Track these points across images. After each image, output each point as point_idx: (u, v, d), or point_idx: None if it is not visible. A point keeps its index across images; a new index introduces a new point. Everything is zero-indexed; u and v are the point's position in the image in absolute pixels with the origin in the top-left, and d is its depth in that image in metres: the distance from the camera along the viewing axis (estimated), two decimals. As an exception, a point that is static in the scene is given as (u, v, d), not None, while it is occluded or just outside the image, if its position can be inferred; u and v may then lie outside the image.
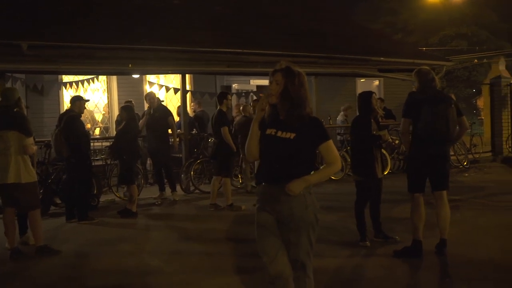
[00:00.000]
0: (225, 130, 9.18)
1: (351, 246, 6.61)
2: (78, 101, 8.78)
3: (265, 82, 15.46)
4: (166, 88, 13.26)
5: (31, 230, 6.81)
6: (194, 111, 13.53)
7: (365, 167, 6.73)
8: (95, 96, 13.81)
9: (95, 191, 9.64)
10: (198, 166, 11.34)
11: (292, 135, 3.51)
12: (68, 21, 10.97)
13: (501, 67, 17.30)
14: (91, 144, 9.69)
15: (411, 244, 6.13)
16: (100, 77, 13.24)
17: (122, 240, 7.43)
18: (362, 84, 17.81)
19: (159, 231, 8.07)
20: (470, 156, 14.94)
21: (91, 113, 13.74)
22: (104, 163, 10.86)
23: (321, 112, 13.37)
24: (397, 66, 14.11)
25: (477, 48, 36.42)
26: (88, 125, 13.33)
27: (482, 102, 21.76)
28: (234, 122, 11.40)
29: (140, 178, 10.49)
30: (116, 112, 13.35)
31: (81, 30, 10.69)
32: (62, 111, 12.14)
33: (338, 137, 13.63)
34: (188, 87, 12.90)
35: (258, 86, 15.81)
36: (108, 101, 13.95)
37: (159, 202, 10.13)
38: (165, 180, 10.53)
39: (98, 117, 14.05)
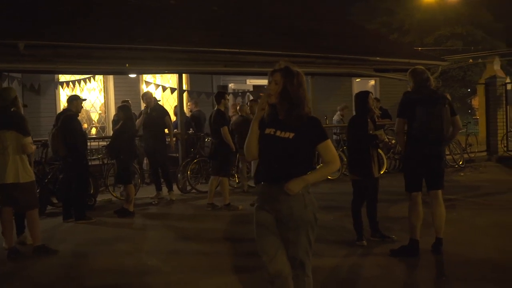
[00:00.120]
0: (225, 130, 9.21)
1: (348, 245, 6.64)
2: (75, 101, 8.79)
3: (261, 82, 15.51)
4: (162, 88, 13.27)
5: (29, 230, 6.82)
6: (190, 111, 13.54)
7: (362, 167, 6.77)
8: (92, 95, 13.79)
9: (92, 191, 9.64)
10: (195, 166, 11.36)
11: (291, 135, 3.54)
12: (64, 21, 10.97)
13: (496, 66, 17.39)
14: (88, 143, 9.70)
15: (408, 243, 6.17)
16: (97, 76, 13.24)
17: (120, 240, 7.44)
18: (358, 84, 17.85)
19: (156, 230, 8.09)
20: (465, 156, 15.01)
21: (88, 112, 13.73)
22: (101, 162, 10.86)
23: (317, 112, 13.39)
24: (393, 66, 14.16)
25: (472, 48, 36.52)
26: (85, 125, 13.32)
27: (477, 101, 21.83)
28: (231, 122, 11.41)
29: (136, 177, 10.49)
30: (112, 111, 13.34)
31: (77, 30, 10.69)
32: (58, 111, 12.14)
33: (334, 137, 13.67)
34: (184, 87, 12.91)
35: (254, 86, 15.82)
36: (105, 101, 13.94)
37: (156, 202, 10.15)
38: (162, 180, 10.54)
39: (95, 116, 14.04)
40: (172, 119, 11.43)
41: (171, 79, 14.40)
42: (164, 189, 10.51)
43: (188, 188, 11.16)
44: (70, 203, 8.63)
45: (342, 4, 40.02)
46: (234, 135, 10.42)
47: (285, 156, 3.55)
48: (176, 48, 11.15)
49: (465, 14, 39.48)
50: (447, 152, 13.78)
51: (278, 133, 3.58)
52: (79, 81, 12.60)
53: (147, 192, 10.85)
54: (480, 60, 31.34)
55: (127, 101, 10.73)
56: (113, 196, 10.46)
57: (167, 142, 10.69)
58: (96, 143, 11.63)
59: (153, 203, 10.10)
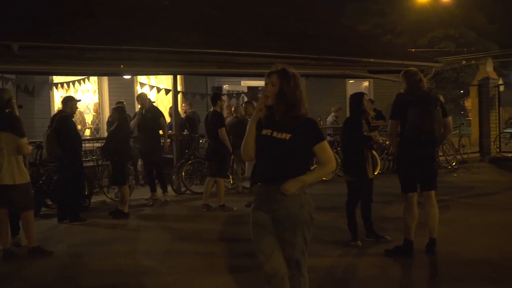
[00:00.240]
0: (222, 131, 9.24)
1: (343, 245, 6.68)
2: (70, 102, 8.79)
3: (256, 83, 15.54)
4: (157, 89, 13.27)
5: (24, 231, 6.82)
6: (185, 112, 13.56)
7: (357, 168, 6.81)
8: (86, 96, 13.77)
9: (86, 192, 9.63)
10: (189, 167, 11.37)
11: (288, 136, 3.57)
12: (59, 22, 10.94)
13: (489, 68, 17.47)
14: (82, 145, 9.69)
15: (402, 243, 6.21)
16: (91, 78, 13.21)
17: (115, 241, 7.45)
18: (352, 85, 17.91)
19: (151, 231, 8.10)
20: (458, 157, 15.09)
21: (82, 114, 13.71)
22: (95, 164, 10.85)
23: (312, 113, 13.26)
24: (387, 67, 14.21)
25: (465, 49, 36.73)
26: (79, 126, 13.29)
27: (470, 103, 21.93)
28: (226, 123, 11.44)
29: (131, 179, 10.49)
30: (107, 113, 13.33)
31: (72, 31, 10.66)
32: (52, 112, 12.11)
33: (329, 138, 13.71)
34: (179, 88, 12.92)
35: (249, 87, 15.85)
36: (99, 102, 13.93)
37: (151, 203, 10.15)
38: (156, 181, 10.55)
39: (88, 118, 14.01)
40: (167, 120, 11.44)
41: (165, 80, 14.41)
42: (159, 190, 10.51)
43: (183, 189, 11.17)
44: (65, 204, 8.62)
45: (335, 6, 40.11)
46: (229, 136, 10.43)
47: (282, 157, 3.58)
48: (171, 49, 11.15)
49: (459, 16, 39.67)
50: (440, 153, 13.86)
51: (275, 134, 3.61)
52: (73, 82, 12.58)
53: (141, 193, 10.86)
54: (473, 62, 31.51)
55: (122, 102, 10.71)
56: (108, 197, 10.46)
57: (161, 143, 10.69)
58: (91, 145, 11.61)
59: (147, 204, 10.11)
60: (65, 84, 12.65)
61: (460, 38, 39.52)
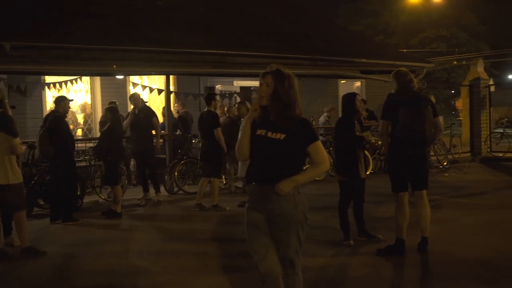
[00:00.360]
0: (218, 131, 9.27)
1: (335, 245, 6.72)
2: (62, 102, 8.77)
3: (248, 83, 15.55)
4: (149, 89, 13.27)
5: (17, 231, 6.80)
6: (177, 112, 13.56)
7: (349, 168, 6.85)
8: (78, 96, 13.74)
9: (79, 192, 9.61)
10: (182, 167, 11.37)
11: (282, 136, 3.60)
12: (51, 22, 10.92)
13: (480, 68, 17.54)
14: (75, 145, 9.67)
15: (394, 242, 6.25)
16: (84, 77, 13.20)
17: (108, 241, 7.45)
18: (344, 85, 17.96)
19: (144, 231, 8.12)
20: (450, 157, 15.17)
21: (74, 114, 13.68)
22: (88, 164, 10.83)
23: (304, 113, 13.39)
24: (379, 67, 14.26)
25: (456, 50, 36.92)
26: (71, 126, 13.25)
27: (461, 103, 22.00)
28: (219, 123, 11.46)
29: (123, 179, 10.49)
30: (99, 113, 13.32)
31: (65, 31, 10.64)
32: (45, 112, 12.11)
33: (321, 138, 13.75)
34: (171, 88, 12.91)
35: (242, 87, 15.86)
36: (92, 102, 13.91)
37: (144, 203, 10.15)
38: (149, 181, 10.54)
39: (81, 118, 13.98)
40: (160, 120, 11.44)
41: (158, 80, 14.40)
42: (151, 190, 10.51)
43: (175, 189, 11.18)
44: (57, 204, 8.61)
45: (329, 6, 40.25)
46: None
47: (276, 157, 3.61)
48: (164, 49, 11.15)
49: (450, 17, 39.87)
50: (432, 153, 13.94)
51: (269, 134, 3.64)
52: (65, 82, 12.56)
53: (134, 193, 10.85)
54: (464, 62, 31.66)
55: (114, 102, 10.70)
56: (100, 197, 10.45)
57: (154, 143, 10.69)
58: (83, 145, 11.59)
59: (140, 204, 10.11)
60: (57, 84, 12.63)
61: (452, 39, 39.73)
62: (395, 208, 6.28)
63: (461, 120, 23.19)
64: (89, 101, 13.93)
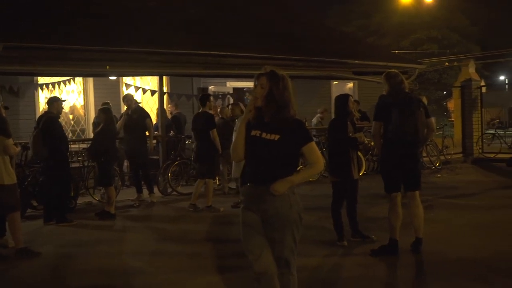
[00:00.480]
0: (214, 132, 9.32)
1: (329, 245, 6.75)
2: (55, 102, 8.76)
3: (241, 84, 15.57)
4: (142, 90, 13.27)
5: (11, 233, 6.80)
6: (171, 113, 13.56)
7: (342, 169, 6.88)
8: (71, 97, 13.71)
9: (72, 193, 9.61)
10: (176, 168, 11.38)
11: (277, 137, 3.64)
12: (44, 23, 10.90)
13: (471, 70, 17.67)
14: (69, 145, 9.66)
15: (388, 243, 6.29)
16: (76, 78, 13.18)
17: (102, 242, 7.46)
18: (336, 87, 18.01)
19: (138, 232, 8.12)
20: (442, 157, 15.27)
21: (66, 114, 13.64)
22: (81, 165, 10.82)
23: (297, 114, 13.48)
24: (372, 69, 14.32)
25: (448, 51, 37.12)
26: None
27: (453, 104, 22.15)
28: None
29: (117, 180, 10.48)
30: (92, 114, 13.30)
31: (57, 31, 10.63)
32: (38, 113, 12.08)
33: (314, 139, 13.80)
34: (164, 89, 12.92)
35: (234, 88, 15.88)
36: (84, 103, 13.89)
37: (137, 204, 10.15)
38: (143, 182, 10.54)
39: (72, 118, 13.94)
40: (153, 121, 11.44)
41: (151, 81, 14.40)
42: (145, 191, 10.51)
43: (169, 190, 11.18)
44: (51, 205, 8.60)
45: (320, 7, 40.34)
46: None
47: (271, 157, 3.64)
48: (157, 50, 11.16)
49: (441, 18, 40.08)
50: (424, 154, 14.03)
51: (264, 135, 3.67)
52: (58, 83, 12.54)
53: (127, 194, 10.84)
54: (455, 63, 31.82)
55: (108, 103, 10.71)
56: (94, 198, 10.43)
57: (147, 144, 10.70)
58: (77, 146, 11.56)
59: (134, 205, 10.10)
60: (50, 85, 12.60)
61: (443, 40, 39.95)
62: (388, 209, 6.32)
63: (453, 121, 23.34)
64: (78, 103, 13.88)
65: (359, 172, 7.33)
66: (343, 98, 7.08)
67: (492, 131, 19.25)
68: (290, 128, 3.67)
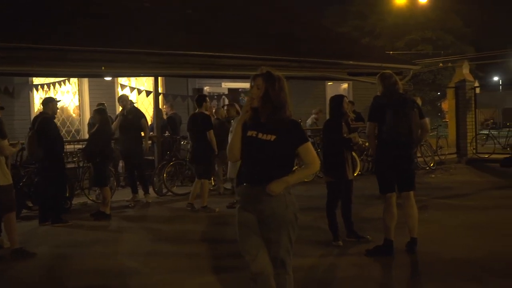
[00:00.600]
0: (211, 133, 9.34)
1: (324, 245, 6.78)
2: (50, 103, 8.75)
3: (236, 85, 15.58)
4: (138, 91, 13.26)
5: (6, 233, 6.79)
6: (166, 114, 13.57)
7: (336, 170, 6.91)
8: (66, 98, 13.68)
9: (68, 194, 9.60)
10: (171, 169, 11.38)
11: (273, 137, 3.66)
12: (39, 23, 10.90)
13: (465, 70, 17.75)
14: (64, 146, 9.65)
15: (382, 243, 6.32)
16: (72, 79, 13.15)
17: (98, 242, 7.47)
18: (331, 87, 18.03)
19: (134, 233, 8.13)
20: (436, 158, 15.33)
21: (68, 117, 13.64)
22: (76, 165, 10.81)
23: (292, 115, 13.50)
24: (366, 69, 14.38)
25: (442, 52, 37.24)
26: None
27: (447, 105, 22.24)
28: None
29: (112, 180, 10.48)
30: (87, 114, 13.29)
31: (53, 32, 10.64)
32: (33, 113, 12.06)
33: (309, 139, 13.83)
34: (159, 90, 12.92)
35: (230, 89, 15.89)
36: (80, 104, 13.87)
37: (132, 205, 10.14)
38: (138, 183, 10.55)
39: (68, 120, 13.93)
40: (149, 122, 11.44)
41: (146, 82, 14.40)
42: (140, 192, 10.51)
43: (164, 190, 11.19)
44: (46, 206, 8.60)
45: (315, 8, 40.42)
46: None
47: (267, 158, 3.67)
48: (152, 51, 11.17)
49: (435, 19, 40.21)
50: (419, 155, 14.08)
51: (260, 135, 3.69)
52: (53, 84, 12.51)
53: (122, 195, 10.85)
54: (449, 64, 31.90)
55: (103, 104, 10.72)
56: (89, 199, 10.43)
57: (143, 145, 10.71)
58: (72, 146, 11.55)
59: (129, 206, 10.10)
60: (45, 86, 12.57)
61: (437, 41, 40.07)
62: (383, 209, 6.35)
63: (447, 121, 23.43)
64: (68, 104, 13.84)
65: (353, 172, 7.36)
66: (337, 99, 7.11)
67: (486, 132, 19.32)
68: (286, 129, 3.69)
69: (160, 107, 12.96)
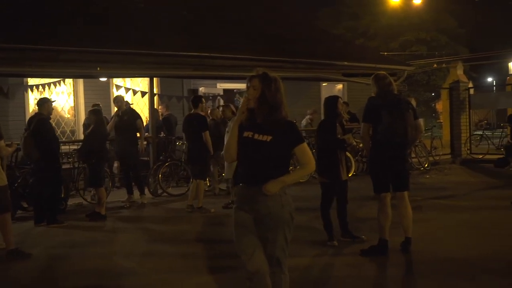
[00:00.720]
0: (207, 134, 9.36)
1: (320, 245, 6.81)
2: (45, 104, 8.74)
3: (231, 85, 15.60)
4: (133, 91, 13.27)
5: (2, 234, 6.77)
6: (161, 115, 13.58)
7: (330, 170, 6.93)
8: (61, 99, 13.67)
9: (63, 195, 9.60)
10: (166, 169, 11.40)
11: (269, 138, 3.69)
12: (34, 24, 10.89)
13: (459, 71, 17.84)
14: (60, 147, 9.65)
15: (377, 243, 6.36)
16: (67, 80, 13.15)
17: (93, 243, 7.47)
18: (325, 88, 18.07)
19: (130, 233, 8.13)
20: (430, 158, 15.39)
21: (56, 116, 13.60)
22: (71, 166, 10.81)
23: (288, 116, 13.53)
24: (361, 70, 14.42)
25: (436, 53, 37.35)
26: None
27: (441, 105, 22.34)
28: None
29: (107, 181, 10.48)
30: (82, 115, 13.28)
31: (48, 32, 10.63)
32: (28, 114, 12.04)
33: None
34: (155, 91, 12.94)
35: (225, 90, 15.91)
36: (75, 104, 13.86)
37: (128, 205, 10.15)
38: (133, 183, 10.55)
39: (64, 121, 13.92)
40: (145, 122, 11.45)
41: (141, 83, 14.41)
42: (136, 193, 10.51)
43: (159, 191, 11.19)
44: (41, 207, 8.59)
45: (309, 9, 40.45)
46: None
47: (263, 158, 3.69)
48: (147, 52, 11.18)
49: (430, 20, 40.29)
50: (413, 155, 14.14)
51: (256, 136, 3.72)
52: (48, 84, 12.51)
53: (117, 195, 10.85)
54: (444, 65, 32.03)
55: (98, 104, 10.72)
56: (84, 200, 10.43)
57: (138, 146, 10.72)
58: (67, 147, 11.55)
59: (124, 206, 10.11)
60: (40, 86, 12.56)
61: (432, 42, 40.16)
62: (378, 209, 6.38)
63: (441, 122, 23.53)
64: (68, 104, 13.84)
65: (348, 173, 7.39)
66: (332, 100, 7.14)
67: (480, 132, 19.42)
68: (282, 130, 3.72)
69: (156, 107, 12.97)
